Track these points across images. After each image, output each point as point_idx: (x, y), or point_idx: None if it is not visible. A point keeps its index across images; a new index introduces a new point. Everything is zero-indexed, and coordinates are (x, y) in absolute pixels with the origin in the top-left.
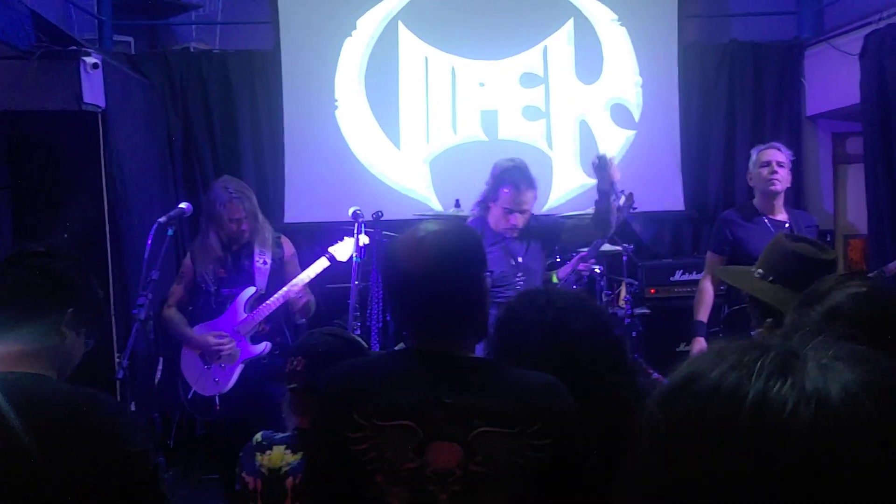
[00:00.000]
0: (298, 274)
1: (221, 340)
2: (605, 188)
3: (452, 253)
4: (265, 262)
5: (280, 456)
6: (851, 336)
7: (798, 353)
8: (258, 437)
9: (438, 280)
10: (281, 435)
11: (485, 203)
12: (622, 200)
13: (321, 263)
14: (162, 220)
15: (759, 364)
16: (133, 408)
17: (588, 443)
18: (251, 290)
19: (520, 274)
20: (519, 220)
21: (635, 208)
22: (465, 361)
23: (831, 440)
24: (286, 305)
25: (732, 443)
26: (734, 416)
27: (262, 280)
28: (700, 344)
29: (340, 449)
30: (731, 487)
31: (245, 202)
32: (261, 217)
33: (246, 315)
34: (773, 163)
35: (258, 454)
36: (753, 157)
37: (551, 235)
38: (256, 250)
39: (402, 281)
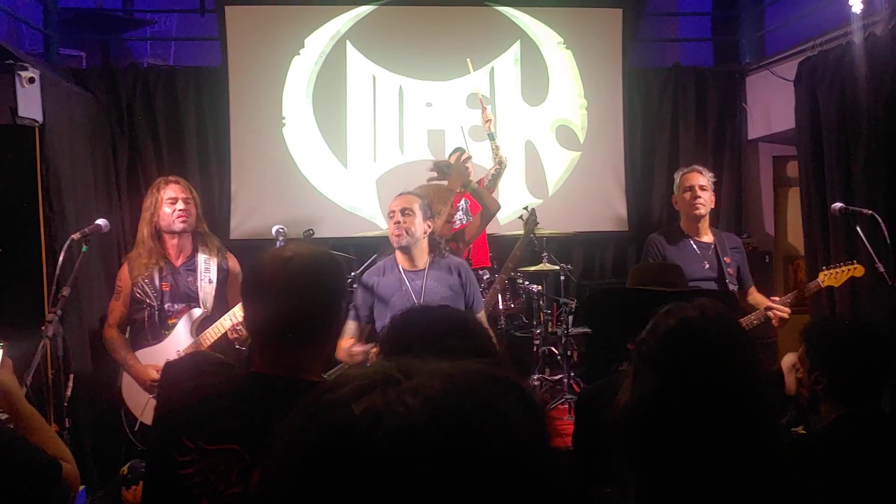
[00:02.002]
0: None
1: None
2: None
3: (305, 276)
4: (210, 281)
5: None
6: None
7: (408, 370)
8: (124, 469)
9: (288, 303)
10: None
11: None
12: (525, 215)
13: None
14: (76, 235)
15: (373, 373)
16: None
17: None
18: (198, 312)
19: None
20: (392, 227)
21: (538, 224)
22: (303, 384)
23: (387, 467)
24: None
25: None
26: (324, 422)
27: (208, 300)
28: None
29: (170, 473)
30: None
31: (183, 188)
32: (205, 226)
33: (192, 339)
34: (695, 187)
35: (124, 488)
36: (677, 181)
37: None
38: (201, 265)
39: (254, 302)
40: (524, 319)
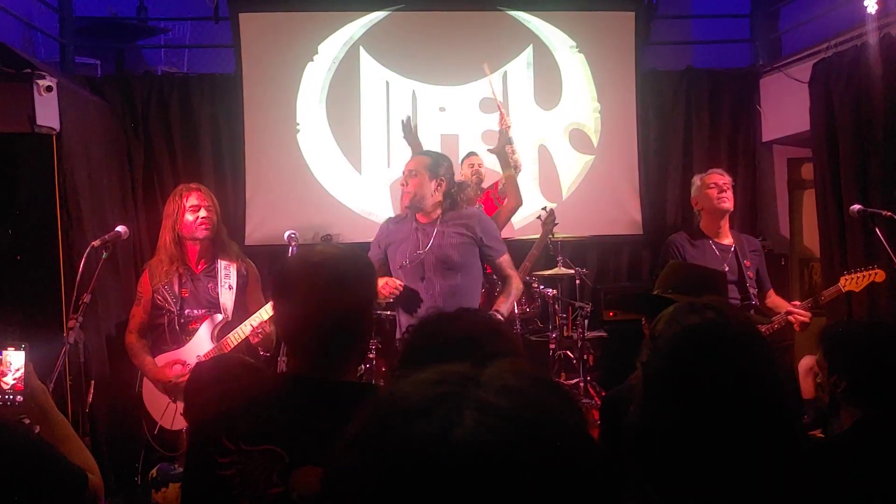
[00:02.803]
0: (260, 298)
1: (182, 373)
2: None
3: (332, 278)
4: (230, 287)
5: (176, 493)
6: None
7: (470, 385)
8: (154, 472)
9: (317, 305)
10: (178, 471)
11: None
12: (543, 215)
13: None
14: (96, 242)
15: (425, 390)
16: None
17: None
18: (219, 318)
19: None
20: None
21: (557, 223)
22: (338, 385)
23: (462, 476)
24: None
25: (387, 461)
26: (394, 438)
27: (228, 306)
28: None
29: (210, 475)
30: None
31: (205, 195)
32: (224, 233)
33: (213, 345)
34: (719, 184)
35: (153, 491)
36: (697, 182)
37: (486, 248)
38: (221, 271)
39: (284, 306)
40: (539, 323)
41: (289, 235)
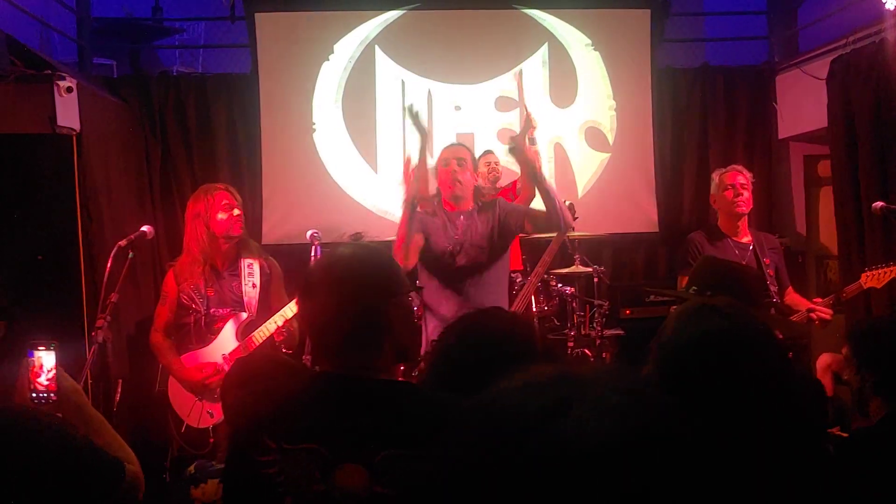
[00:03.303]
0: (283, 296)
1: (208, 374)
2: (529, 172)
3: (358, 277)
4: (254, 285)
5: (215, 488)
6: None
7: (577, 388)
8: (191, 468)
9: (345, 304)
10: (216, 467)
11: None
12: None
13: None
14: (122, 242)
15: (534, 398)
16: None
17: None
18: (243, 316)
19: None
20: (446, 175)
21: (577, 218)
22: (375, 384)
23: (583, 476)
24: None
25: (495, 466)
26: (502, 443)
27: (251, 304)
28: None
29: (252, 473)
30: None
31: (234, 194)
32: (245, 231)
33: (238, 343)
34: (736, 185)
35: (192, 487)
36: (716, 180)
37: (510, 216)
38: (244, 270)
39: (313, 306)
40: (556, 321)
41: (311, 234)
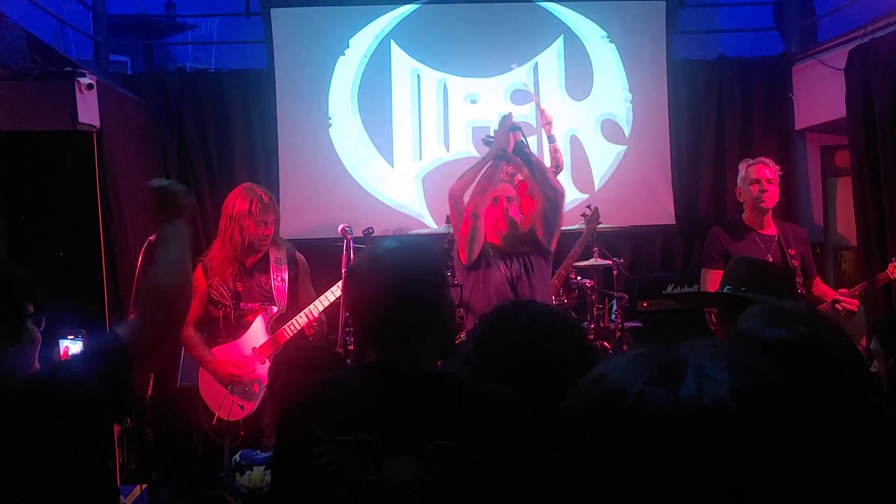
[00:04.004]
0: (310, 290)
1: (240, 370)
2: (502, 157)
3: (406, 269)
4: (282, 279)
5: (260, 476)
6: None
7: (684, 360)
8: (237, 457)
9: (393, 296)
10: (261, 455)
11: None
12: (588, 213)
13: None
14: (153, 238)
15: (646, 368)
16: (128, 424)
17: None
18: (273, 310)
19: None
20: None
21: (600, 222)
22: (423, 375)
23: (699, 440)
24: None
25: (613, 434)
26: (618, 412)
27: (281, 298)
28: None
29: (303, 464)
30: (615, 472)
31: (274, 208)
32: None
33: (268, 337)
34: (762, 180)
35: (238, 474)
36: (742, 172)
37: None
38: (273, 265)
39: (360, 297)
40: (575, 314)
41: (342, 228)
